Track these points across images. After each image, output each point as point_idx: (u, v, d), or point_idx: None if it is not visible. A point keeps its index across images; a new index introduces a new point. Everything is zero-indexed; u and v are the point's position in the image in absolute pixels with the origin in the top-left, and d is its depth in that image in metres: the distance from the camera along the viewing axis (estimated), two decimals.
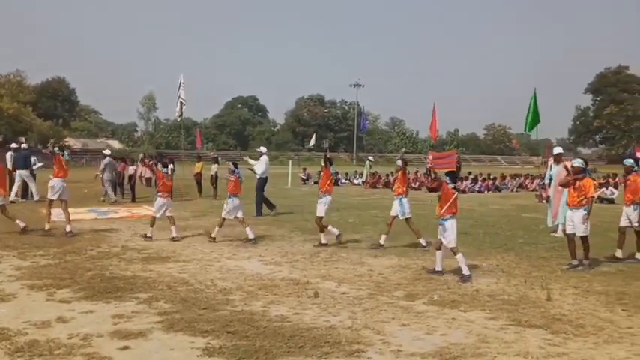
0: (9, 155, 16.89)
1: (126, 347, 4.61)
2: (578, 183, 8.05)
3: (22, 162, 16.54)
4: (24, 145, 18.18)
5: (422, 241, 9.39)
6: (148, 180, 21.03)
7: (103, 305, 5.85)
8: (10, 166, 16.57)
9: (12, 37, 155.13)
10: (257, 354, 4.46)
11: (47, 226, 10.64)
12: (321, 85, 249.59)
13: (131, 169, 19.45)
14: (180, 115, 25.17)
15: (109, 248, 9.29)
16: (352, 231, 11.50)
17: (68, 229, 10.47)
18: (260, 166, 14.61)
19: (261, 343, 4.71)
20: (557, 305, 6.04)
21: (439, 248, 7.54)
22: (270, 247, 9.56)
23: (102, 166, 17.78)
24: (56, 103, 76.53)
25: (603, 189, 19.97)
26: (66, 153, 11.41)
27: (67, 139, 63.98)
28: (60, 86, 77.88)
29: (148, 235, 10.18)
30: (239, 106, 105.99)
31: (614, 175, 23.37)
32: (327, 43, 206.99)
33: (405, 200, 9.48)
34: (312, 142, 41.81)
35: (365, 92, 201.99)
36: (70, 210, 11.08)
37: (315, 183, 23.57)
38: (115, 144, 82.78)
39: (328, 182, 9.99)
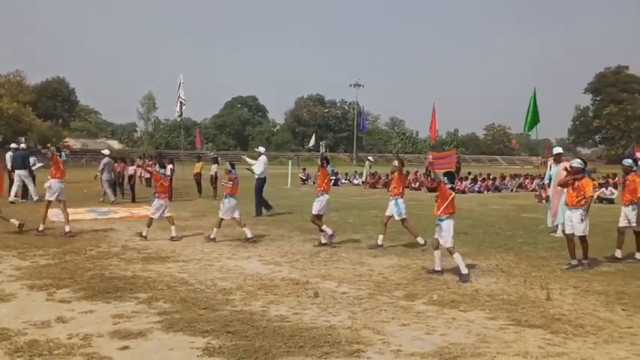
0: (8, 155, 16.91)
1: (126, 347, 4.62)
2: (577, 183, 8.05)
3: (21, 162, 16.52)
4: (22, 145, 18.17)
5: (419, 239, 9.38)
6: (148, 180, 21.01)
7: (103, 305, 5.85)
8: (9, 166, 16.60)
9: (12, 37, 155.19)
10: (257, 354, 4.46)
11: (41, 227, 10.57)
12: (321, 85, 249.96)
13: (131, 169, 19.44)
14: (180, 115, 25.21)
15: (109, 248, 9.29)
16: (352, 231, 11.51)
17: (67, 229, 10.45)
18: (259, 166, 14.68)
19: (261, 343, 4.71)
20: (557, 305, 6.05)
21: (437, 248, 7.55)
22: (269, 247, 9.56)
23: (101, 166, 17.79)
24: (56, 103, 76.45)
25: (603, 189, 19.99)
26: (63, 153, 11.39)
27: (67, 140, 63.86)
28: (59, 86, 77.80)
29: (143, 234, 10.20)
30: (239, 106, 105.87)
31: (614, 175, 23.40)
32: (327, 43, 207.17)
33: (400, 201, 9.48)
34: (312, 142, 41.79)
35: (365, 92, 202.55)
36: (70, 210, 11.08)
37: (315, 183, 23.54)
38: (115, 144, 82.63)
39: (325, 181, 10.02)
